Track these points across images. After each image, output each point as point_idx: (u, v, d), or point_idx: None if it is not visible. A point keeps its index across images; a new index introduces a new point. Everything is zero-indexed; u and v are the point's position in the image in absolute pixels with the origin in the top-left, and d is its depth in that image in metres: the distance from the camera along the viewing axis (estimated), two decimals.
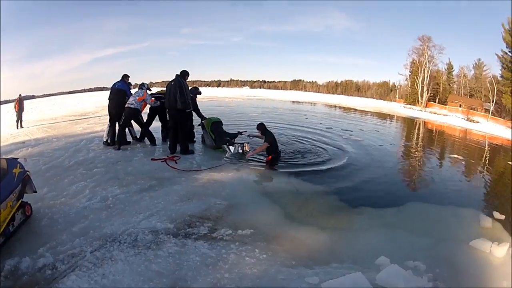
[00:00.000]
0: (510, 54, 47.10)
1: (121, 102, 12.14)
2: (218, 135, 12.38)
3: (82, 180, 8.35)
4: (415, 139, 20.93)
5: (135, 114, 12.17)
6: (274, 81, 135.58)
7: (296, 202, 7.60)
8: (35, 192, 6.51)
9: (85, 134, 15.59)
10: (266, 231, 5.97)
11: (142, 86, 12.72)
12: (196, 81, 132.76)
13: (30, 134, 16.56)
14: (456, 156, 14.67)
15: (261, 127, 11.20)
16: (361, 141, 16.30)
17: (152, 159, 10.51)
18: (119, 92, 12.36)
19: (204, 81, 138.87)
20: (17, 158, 6.43)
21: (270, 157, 10.59)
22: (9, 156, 10.02)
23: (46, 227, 5.86)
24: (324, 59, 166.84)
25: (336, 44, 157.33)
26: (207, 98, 50.80)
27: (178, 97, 10.68)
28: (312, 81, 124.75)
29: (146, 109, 12.99)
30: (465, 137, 26.11)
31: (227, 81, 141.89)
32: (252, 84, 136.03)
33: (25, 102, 23.50)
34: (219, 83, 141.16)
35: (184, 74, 11.33)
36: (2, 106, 27.66)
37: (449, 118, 47.08)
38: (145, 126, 12.93)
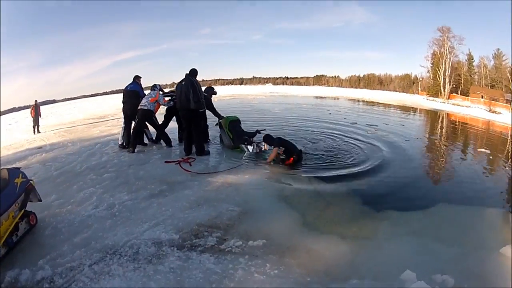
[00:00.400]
0: None
1: (135, 104, 11.96)
2: (236, 134, 11.99)
3: (91, 186, 8.19)
4: (440, 133, 20.04)
5: (149, 115, 11.88)
6: (296, 77, 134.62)
7: (316, 207, 6.99)
8: (40, 200, 6.45)
9: (101, 137, 15.61)
10: (281, 241, 5.44)
11: (154, 87, 12.45)
12: (219, 79, 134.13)
13: (46, 139, 16.93)
14: (483, 150, 13.75)
15: (267, 139, 10.70)
16: (386, 136, 15.56)
17: (165, 162, 10.19)
18: (132, 94, 12.23)
19: (227, 79, 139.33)
20: (20, 168, 6.30)
21: (291, 159, 9.98)
22: (22, 163, 10.63)
23: (49, 237, 5.73)
24: (345, 54, 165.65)
25: (356, 38, 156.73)
26: (229, 96, 51.11)
27: (191, 97, 10.35)
28: (335, 76, 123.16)
29: (163, 110, 12.72)
30: (488, 129, 25.04)
31: (250, 79, 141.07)
32: (275, 81, 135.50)
33: (46, 107, 24.49)
34: (241, 81, 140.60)
35: (194, 72, 10.95)
36: (21, 111, 28.10)
37: (472, 109, 45.93)
38: (160, 127, 12.58)
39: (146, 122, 12.27)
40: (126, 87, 12.47)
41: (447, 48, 64.82)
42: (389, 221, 6.38)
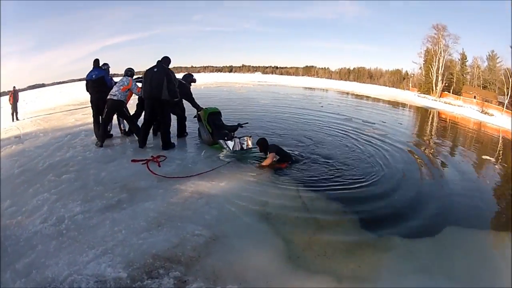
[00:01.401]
0: None
1: (103, 91, 10.78)
2: (216, 128, 10.69)
3: (46, 191, 7.17)
4: (439, 135, 18.61)
5: (119, 106, 10.62)
6: (286, 67, 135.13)
7: (305, 232, 5.66)
8: None
9: (74, 127, 14.66)
10: (258, 286, 4.21)
11: (128, 72, 11.05)
12: (208, 66, 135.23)
13: (21, 128, 16.10)
14: (488, 157, 12.76)
15: (261, 143, 9.43)
16: (385, 136, 14.42)
17: (132, 161, 8.94)
18: (98, 82, 10.94)
19: (216, 67, 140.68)
20: None
21: (284, 164, 8.93)
22: None
23: None
24: (336, 46, 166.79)
25: (348, 31, 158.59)
26: (216, 84, 50.47)
27: (166, 86, 9.43)
28: (325, 68, 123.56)
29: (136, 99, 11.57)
30: (484, 131, 24.31)
31: (239, 67, 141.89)
32: (264, 70, 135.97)
33: (34, 91, 24.06)
34: (231, 69, 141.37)
35: (167, 61, 10.01)
36: (3, 97, 27.40)
37: (464, 109, 46.16)
38: (131, 119, 11.30)
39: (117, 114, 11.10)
40: (90, 75, 11.06)
41: (441, 46, 65.08)
42: (393, 252, 5.22)
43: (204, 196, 6.79)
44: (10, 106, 21.20)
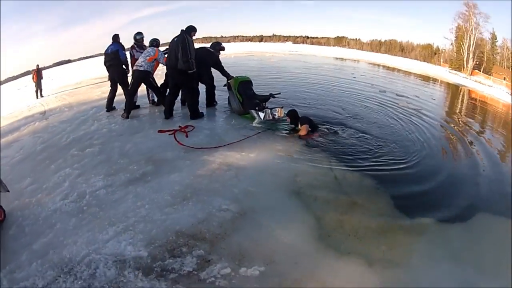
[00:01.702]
0: None
1: (119, 66, 11.12)
2: (247, 97, 10.28)
3: (68, 166, 7.08)
4: (472, 115, 17.30)
5: (145, 77, 10.46)
6: (317, 37, 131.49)
7: (336, 209, 5.36)
8: (8, 191, 5.69)
9: (100, 99, 14.19)
10: (285, 269, 3.99)
11: (153, 42, 10.86)
12: (238, 36, 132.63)
13: (46, 104, 16.03)
14: None
15: (291, 114, 9.14)
16: (420, 111, 13.75)
17: (158, 131, 8.70)
18: (115, 56, 10.96)
19: (246, 36, 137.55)
20: None
21: (316, 134, 8.67)
22: (14, 134, 10.61)
23: (12, 240, 4.87)
24: (368, 17, 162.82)
25: (380, 1, 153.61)
26: (246, 53, 49.14)
27: (180, 56, 9.14)
28: (356, 39, 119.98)
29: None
30: None
31: (270, 36, 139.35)
32: (295, 40, 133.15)
33: (59, 68, 23.94)
34: (261, 38, 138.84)
35: (190, 30, 9.68)
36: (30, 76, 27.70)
37: (493, 89, 44.68)
38: (159, 89, 11.17)
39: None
40: (107, 49, 11.08)
41: (472, 24, 63.04)
42: (425, 237, 4.97)
43: (232, 168, 6.55)
44: (34, 84, 21.17)
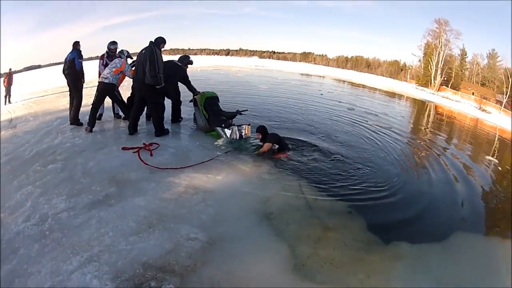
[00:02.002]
0: None
1: (74, 74, 10.66)
2: (213, 114, 10.11)
3: (31, 183, 6.64)
4: (441, 131, 18.25)
5: (110, 89, 10.17)
6: (283, 52, 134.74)
7: (310, 235, 5.19)
8: None
9: (65, 110, 13.36)
10: None
11: (121, 54, 10.57)
12: (205, 49, 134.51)
13: (13, 112, 15.53)
14: (491, 158, 12.36)
15: (261, 130, 9.00)
16: (391, 129, 13.99)
17: (122, 148, 8.39)
18: (71, 64, 10.63)
19: (213, 50, 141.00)
20: None
21: (285, 154, 8.59)
22: None
23: None
24: (334, 33, 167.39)
25: (348, 19, 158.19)
26: (213, 67, 50.14)
27: (148, 70, 8.92)
28: (322, 54, 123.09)
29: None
30: (482, 129, 24.30)
31: (236, 50, 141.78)
32: (261, 54, 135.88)
33: (29, 73, 24.01)
34: (228, 52, 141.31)
35: (160, 42, 9.41)
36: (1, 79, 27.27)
37: (461, 105, 46.58)
38: (123, 103, 10.87)
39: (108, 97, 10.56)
40: (66, 56, 10.70)
41: (442, 41, 65.33)
42: (404, 261, 4.90)
43: (199, 192, 6.29)
44: (4, 88, 20.50)
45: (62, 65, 10.85)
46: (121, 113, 11.54)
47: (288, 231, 5.23)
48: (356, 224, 5.74)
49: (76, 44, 10.75)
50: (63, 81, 10.95)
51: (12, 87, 20.98)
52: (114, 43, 11.09)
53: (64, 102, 16.04)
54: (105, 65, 10.70)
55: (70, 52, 10.59)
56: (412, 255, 5.05)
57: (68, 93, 10.97)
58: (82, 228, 5.03)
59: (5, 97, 20.01)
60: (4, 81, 20.89)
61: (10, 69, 22.28)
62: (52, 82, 27.93)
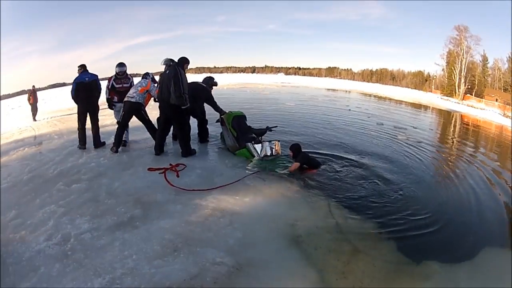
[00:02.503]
0: None
1: (94, 96, 10.60)
2: (241, 131, 9.91)
3: (54, 202, 6.64)
4: (471, 143, 17.28)
5: (138, 109, 10.12)
6: (309, 68, 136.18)
7: (339, 258, 5.00)
8: None
9: (90, 129, 13.69)
10: None
11: (146, 75, 10.68)
12: (231, 67, 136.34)
13: (37, 129, 15.82)
14: None
15: (294, 148, 8.87)
16: (419, 144, 13.57)
17: (148, 169, 8.32)
18: (92, 85, 10.46)
19: (239, 67, 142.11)
20: None
21: (314, 170, 8.51)
22: (3, 159, 10.26)
23: None
24: (359, 48, 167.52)
25: (372, 32, 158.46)
26: (239, 85, 50.63)
27: (172, 90, 8.83)
28: (347, 69, 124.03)
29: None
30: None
31: (262, 68, 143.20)
32: (287, 71, 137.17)
33: (54, 90, 24.35)
34: (253, 69, 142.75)
35: (183, 62, 9.37)
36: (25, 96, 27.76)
37: (486, 112, 45.35)
38: (150, 122, 10.72)
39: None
40: (82, 78, 10.36)
41: (463, 48, 64.96)
42: (433, 281, 4.74)
43: (227, 215, 6.15)
44: (30, 105, 20.78)
45: (75, 88, 10.40)
46: (127, 140, 11.23)
47: (317, 255, 5.07)
48: (386, 244, 5.56)
49: (85, 67, 10.66)
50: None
51: (37, 104, 21.21)
52: (121, 65, 10.84)
53: (88, 121, 16.35)
54: (110, 88, 10.71)
55: (84, 74, 10.39)
56: (442, 273, 4.90)
57: (80, 116, 10.74)
58: (105, 250, 4.97)
59: (33, 114, 20.31)
60: (29, 99, 21.12)
61: (34, 86, 22.39)
62: None
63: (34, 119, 19.95)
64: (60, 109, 23.81)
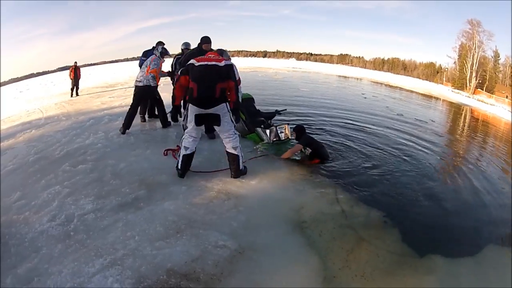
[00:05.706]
0: None
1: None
2: (250, 115, 9.75)
3: (59, 183, 6.60)
4: (482, 139, 17.25)
5: (148, 92, 10.07)
6: (320, 54, 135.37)
7: (342, 246, 4.95)
8: None
9: (99, 110, 14.17)
10: None
11: (156, 49, 10.27)
12: (242, 51, 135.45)
13: (44, 111, 15.89)
14: None
15: (297, 130, 8.73)
16: (438, 138, 13.60)
17: (166, 150, 8.24)
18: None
19: (250, 51, 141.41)
20: None
21: (317, 160, 8.28)
22: (10, 141, 10.34)
23: None
24: (372, 36, 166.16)
25: (386, 22, 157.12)
26: (250, 68, 50.25)
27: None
28: (359, 57, 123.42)
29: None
30: None
31: (273, 52, 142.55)
32: (299, 56, 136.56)
33: (61, 73, 24.95)
34: (265, 54, 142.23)
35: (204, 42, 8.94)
36: (39, 77, 27.96)
37: (496, 108, 45.64)
38: (161, 104, 10.73)
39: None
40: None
41: (476, 42, 65.04)
42: (435, 275, 4.67)
43: (232, 197, 6.10)
44: (71, 81, 21.55)
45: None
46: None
47: (320, 242, 5.02)
48: (391, 235, 5.51)
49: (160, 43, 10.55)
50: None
51: (80, 81, 21.93)
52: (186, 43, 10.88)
53: (98, 102, 16.60)
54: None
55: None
56: (444, 268, 4.85)
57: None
58: (108, 231, 4.96)
59: (71, 89, 21.02)
60: (69, 74, 21.56)
61: (76, 62, 22.74)
62: (86, 82, 28.27)
63: (73, 95, 20.72)
64: (68, 91, 23.07)
